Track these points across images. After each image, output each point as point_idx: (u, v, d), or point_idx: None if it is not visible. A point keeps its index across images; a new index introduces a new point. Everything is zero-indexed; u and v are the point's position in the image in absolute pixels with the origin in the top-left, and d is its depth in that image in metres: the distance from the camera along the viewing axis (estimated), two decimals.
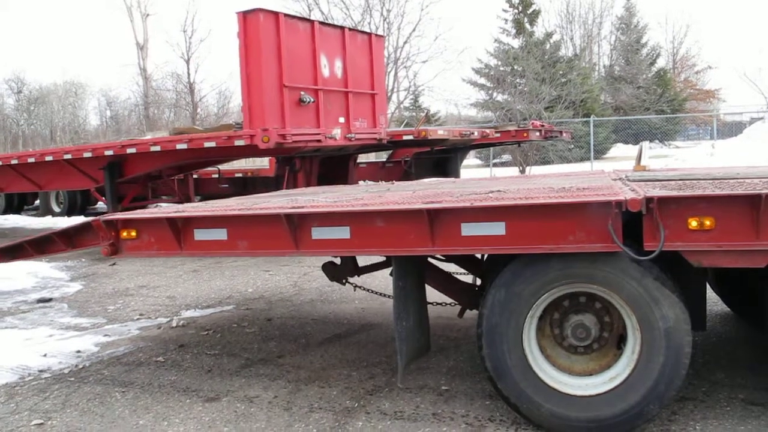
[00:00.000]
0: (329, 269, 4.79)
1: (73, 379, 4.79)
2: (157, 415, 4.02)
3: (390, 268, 3.82)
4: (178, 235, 4.09)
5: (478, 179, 6.90)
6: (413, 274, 3.82)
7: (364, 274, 5.16)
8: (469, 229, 3.36)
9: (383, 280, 4.81)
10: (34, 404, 4.31)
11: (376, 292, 4.91)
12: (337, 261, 4.76)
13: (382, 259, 4.53)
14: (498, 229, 3.31)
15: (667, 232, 3.06)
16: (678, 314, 3.22)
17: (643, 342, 3.29)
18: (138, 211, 4.76)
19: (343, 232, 3.63)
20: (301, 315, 6.25)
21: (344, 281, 4.87)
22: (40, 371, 4.97)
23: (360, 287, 4.97)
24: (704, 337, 4.82)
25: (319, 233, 3.70)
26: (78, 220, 15.67)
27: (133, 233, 4.25)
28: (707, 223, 3.05)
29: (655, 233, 3.09)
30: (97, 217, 4.31)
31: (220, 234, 3.97)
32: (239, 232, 3.93)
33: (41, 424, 3.99)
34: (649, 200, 3.06)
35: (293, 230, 3.72)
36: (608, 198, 3.15)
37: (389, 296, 4.37)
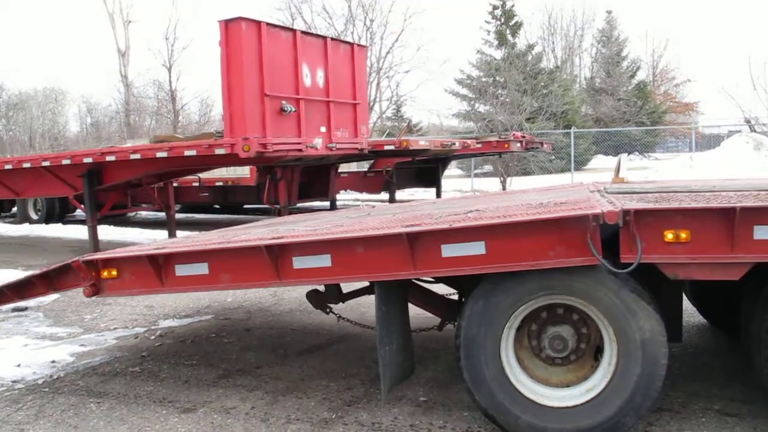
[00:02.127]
0: (314, 297, 4.77)
1: (47, 389, 4.73)
2: (132, 426, 3.98)
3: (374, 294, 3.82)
4: (159, 271, 4.10)
5: (458, 198, 6.91)
6: (396, 298, 3.81)
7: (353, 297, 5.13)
8: (449, 251, 3.37)
9: (368, 302, 4.81)
10: (7, 415, 4.25)
11: (360, 324, 4.90)
12: (321, 288, 4.74)
13: (366, 283, 4.53)
14: (478, 248, 3.32)
15: (643, 244, 3.09)
16: (654, 326, 3.24)
17: (619, 353, 3.30)
18: (118, 249, 4.74)
19: (324, 261, 3.64)
20: (280, 325, 6.22)
21: (328, 310, 4.85)
22: (14, 382, 4.90)
23: (343, 318, 4.95)
24: (681, 348, 4.85)
25: (300, 263, 3.71)
26: (55, 227, 15.54)
27: (114, 272, 4.26)
28: (683, 235, 3.08)
29: (632, 245, 3.12)
30: (77, 258, 4.30)
31: (202, 269, 3.99)
32: (221, 265, 3.94)
33: None
34: (626, 213, 3.08)
35: (275, 261, 3.73)
36: (585, 212, 3.16)
37: (372, 327, 4.38)
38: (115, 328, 6.39)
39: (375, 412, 4.01)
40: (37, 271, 4.65)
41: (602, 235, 3.15)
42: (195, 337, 5.91)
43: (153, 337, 5.98)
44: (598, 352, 3.50)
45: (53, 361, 5.35)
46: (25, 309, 7.42)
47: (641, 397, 3.28)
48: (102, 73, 75.65)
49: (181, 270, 4.06)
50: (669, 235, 3.09)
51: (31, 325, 6.64)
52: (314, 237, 3.71)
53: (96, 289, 4.30)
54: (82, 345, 5.81)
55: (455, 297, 4.38)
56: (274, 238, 3.80)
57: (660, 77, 52.37)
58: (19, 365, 5.21)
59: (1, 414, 4.28)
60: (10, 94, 55.29)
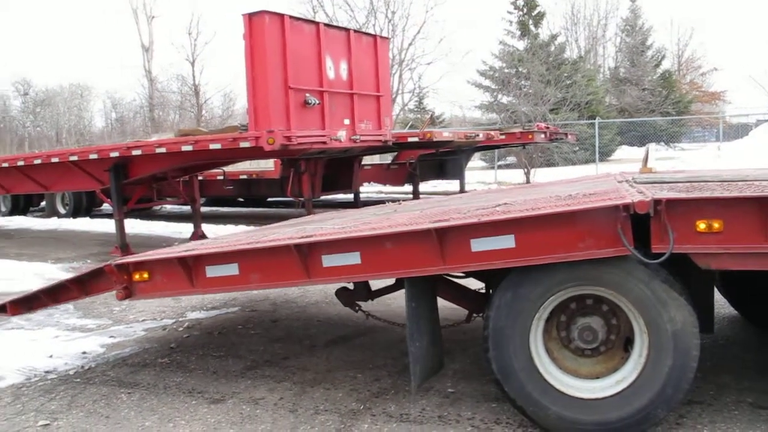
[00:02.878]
0: (343, 295, 4.76)
1: (78, 380, 4.79)
2: (162, 417, 4.02)
3: (403, 290, 3.81)
4: (189, 273, 4.14)
5: (484, 192, 6.88)
6: (425, 293, 3.80)
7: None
8: (478, 245, 3.35)
9: (394, 295, 4.80)
10: (41, 405, 4.32)
11: (389, 321, 4.88)
12: (350, 286, 4.74)
13: (392, 280, 4.54)
14: (508, 242, 3.29)
15: (675, 234, 3.05)
16: (686, 317, 3.20)
17: (650, 345, 3.27)
18: (148, 252, 4.79)
19: (353, 258, 3.64)
20: (306, 317, 6.25)
21: (357, 308, 4.85)
22: (46, 372, 4.97)
23: (372, 316, 4.95)
24: (711, 340, 4.79)
25: (329, 261, 3.71)
26: (83, 221, 15.72)
27: (146, 275, 4.31)
28: (716, 225, 3.03)
29: (663, 236, 3.08)
30: (109, 262, 4.36)
31: (232, 269, 4.01)
32: (251, 265, 3.97)
33: (47, 424, 3.98)
34: (657, 202, 3.04)
35: (304, 260, 3.74)
36: (615, 202, 3.13)
37: (400, 324, 4.37)
38: (143, 320, 6.46)
39: (403, 403, 4.01)
40: (70, 276, 4.71)
41: (632, 225, 3.12)
42: (222, 329, 5.95)
43: (181, 329, 6.03)
44: (627, 344, 3.46)
45: (84, 352, 5.42)
46: None
47: (672, 389, 3.25)
48: (126, 68, 76.31)
49: (212, 271, 4.09)
50: (701, 225, 3.04)
51: (61, 317, 6.72)
52: (343, 235, 3.71)
53: (128, 292, 4.35)
54: (111, 336, 5.88)
55: (482, 289, 4.36)
56: (302, 237, 3.81)
57: (686, 66, 51.75)
58: (51, 356, 5.28)
59: (35, 403, 4.35)
60: (38, 91, 56.11)
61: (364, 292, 4.66)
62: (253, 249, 3.97)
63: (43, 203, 19.06)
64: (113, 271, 4.32)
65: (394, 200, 7.08)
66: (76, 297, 4.72)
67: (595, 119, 28.04)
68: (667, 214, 3.05)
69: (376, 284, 4.67)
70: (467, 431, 3.60)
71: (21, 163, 12.43)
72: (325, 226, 4.46)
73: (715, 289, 4.47)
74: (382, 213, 5.32)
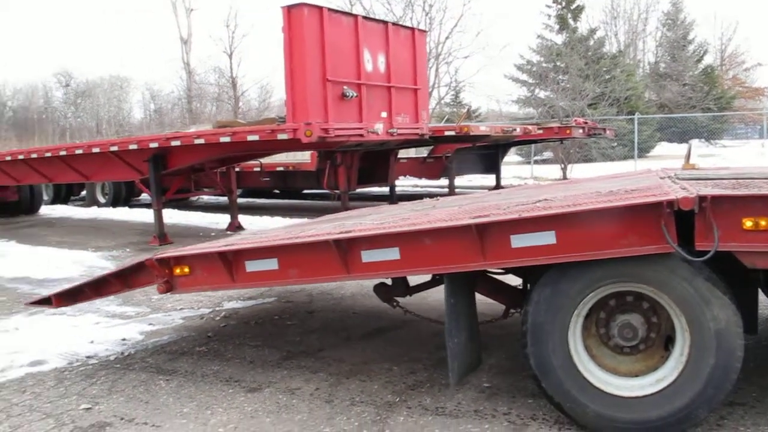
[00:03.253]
0: (380, 291, 4.76)
1: (118, 365, 4.88)
2: (200, 404, 4.07)
3: (442, 286, 3.80)
4: (229, 268, 4.18)
5: (522, 188, 6.82)
6: (464, 290, 3.78)
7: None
8: (519, 241, 3.32)
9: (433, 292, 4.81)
10: (82, 389, 4.40)
11: (428, 318, 4.87)
12: (388, 282, 4.74)
13: (428, 277, 4.53)
14: (548, 238, 3.26)
15: (720, 232, 2.99)
16: (730, 316, 3.14)
17: (692, 344, 3.21)
18: (189, 247, 4.84)
19: (392, 254, 3.64)
20: (342, 308, 6.27)
21: (395, 304, 4.85)
22: (88, 357, 5.07)
23: (410, 312, 4.94)
24: (755, 341, 4.69)
25: (368, 256, 3.71)
26: (122, 210, 15.98)
27: (186, 269, 4.36)
28: (763, 223, 2.97)
29: (708, 233, 3.02)
30: (150, 257, 4.41)
31: (271, 264, 4.03)
32: (290, 260, 3.99)
33: (89, 408, 4.07)
34: (702, 199, 2.99)
35: (343, 255, 3.75)
36: (659, 198, 3.08)
37: (438, 321, 4.36)
38: (181, 309, 6.54)
39: (438, 397, 4.01)
40: (113, 270, 4.78)
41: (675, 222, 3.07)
42: (258, 319, 6.00)
43: (218, 318, 6.10)
44: (668, 342, 3.42)
45: (124, 339, 5.51)
46: None
47: (714, 389, 3.19)
48: (165, 61, 77.22)
49: (251, 266, 4.12)
50: (748, 223, 2.98)
51: (101, 305, 6.83)
52: (382, 230, 3.71)
53: (169, 286, 4.40)
54: (150, 324, 5.97)
55: (519, 285, 4.34)
56: (341, 233, 3.81)
57: (728, 61, 50.72)
58: (92, 342, 5.39)
59: (77, 387, 4.44)
60: (78, 83, 57.04)
61: (402, 287, 4.65)
62: (293, 244, 3.98)
63: (83, 193, 19.41)
64: (154, 265, 4.38)
65: (430, 195, 7.06)
66: (118, 291, 4.79)
67: (634, 115, 27.64)
68: (713, 211, 3.00)
69: (414, 280, 4.66)
70: (503, 426, 3.58)
71: (63, 152, 12.67)
72: (364, 222, 4.46)
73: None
74: (421, 209, 5.31)
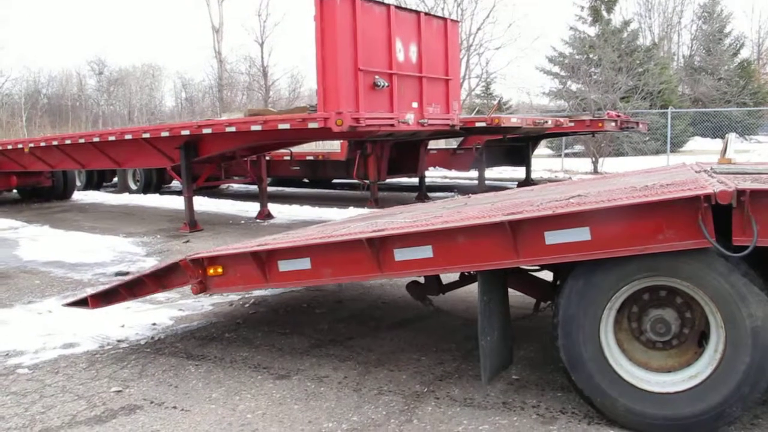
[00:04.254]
0: (413, 289, 4.75)
1: (149, 350, 4.93)
2: (229, 390, 4.11)
3: (474, 283, 3.77)
4: (262, 267, 4.20)
5: (554, 185, 6.75)
6: (498, 287, 3.75)
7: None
8: (553, 238, 3.29)
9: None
10: (113, 372, 4.46)
11: (462, 317, 4.83)
12: (421, 280, 4.72)
13: (455, 276, 4.50)
14: (583, 234, 3.22)
15: (759, 227, 2.93)
16: (767, 313, 3.08)
17: (727, 341, 3.16)
18: (222, 247, 4.86)
19: (425, 252, 3.62)
20: (371, 298, 6.27)
21: (428, 302, 4.83)
22: (119, 341, 5.14)
23: (442, 311, 4.89)
24: None
25: (401, 254, 3.70)
26: (153, 197, 16.16)
27: (220, 270, 4.38)
28: None
29: (746, 228, 2.96)
30: (184, 257, 4.44)
31: (304, 264, 4.05)
32: (323, 260, 4.00)
33: (120, 391, 4.12)
34: (740, 193, 2.93)
35: (376, 253, 3.75)
36: (696, 192, 3.02)
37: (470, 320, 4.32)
38: (210, 295, 6.58)
39: (467, 388, 4.00)
40: (147, 271, 4.82)
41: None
42: (287, 307, 6.03)
43: (247, 305, 6.14)
44: (702, 338, 3.36)
45: (154, 324, 5.57)
46: (127, 273, 7.74)
47: (749, 387, 3.13)
48: (197, 49, 77.64)
49: (284, 265, 4.13)
50: None
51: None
52: (415, 228, 3.69)
53: (203, 287, 4.43)
54: (180, 310, 6.03)
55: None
56: (374, 231, 3.81)
57: (766, 55, 49.71)
58: (123, 326, 5.45)
59: (108, 370, 4.50)
60: (111, 71, 57.70)
61: (435, 286, 4.62)
62: (325, 243, 3.99)
63: (115, 179, 19.66)
64: (188, 265, 4.41)
65: (459, 186, 7.01)
66: (153, 291, 4.81)
67: (667, 109, 27.23)
68: (751, 206, 2.94)
69: (446, 278, 4.63)
70: (531, 419, 3.56)
71: (96, 139, 12.82)
72: (396, 221, 4.45)
73: None
74: (453, 206, 5.28)
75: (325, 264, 3.99)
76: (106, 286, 5.01)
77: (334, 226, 5.45)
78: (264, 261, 4.20)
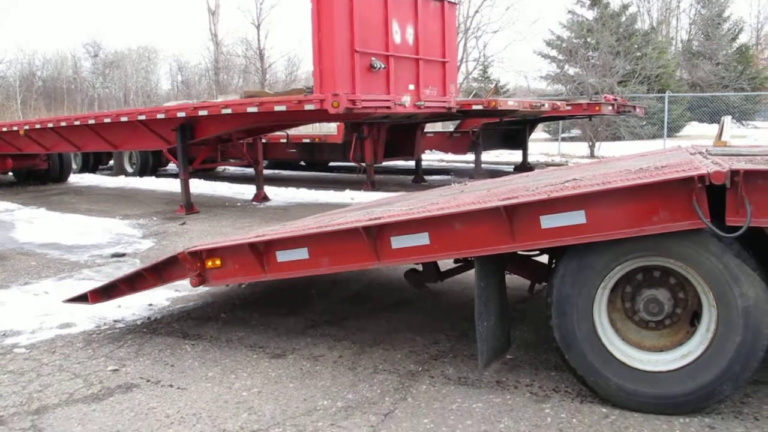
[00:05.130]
0: (412, 277, 4.76)
1: (145, 330, 4.96)
2: (225, 368, 4.13)
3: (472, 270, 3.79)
4: (261, 258, 4.21)
5: (551, 170, 6.76)
6: (495, 272, 3.76)
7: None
8: (548, 222, 3.31)
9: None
10: (110, 351, 4.49)
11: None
12: (419, 267, 4.74)
13: (451, 262, 4.52)
14: (578, 218, 3.24)
15: (752, 207, 2.95)
16: (759, 293, 3.11)
17: (719, 320, 3.19)
18: (220, 239, 4.86)
19: (422, 239, 3.64)
20: (367, 280, 6.30)
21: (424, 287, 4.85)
22: (115, 321, 5.15)
23: (434, 291, 4.89)
24: None
25: (398, 242, 3.72)
26: (149, 180, 16.14)
27: (218, 262, 4.39)
28: None
29: (739, 208, 2.98)
30: (182, 250, 4.44)
31: (302, 253, 4.06)
32: (320, 249, 4.01)
33: (116, 370, 4.15)
34: (734, 173, 2.94)
35: (373, 242, 3.76)
36: (690, 173, 3.03)
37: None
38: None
39: (461, 367, 4.03)
40: (146, 265, 4.82)
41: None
42: (283, 289, 6.04)
43: (243, 286, 6.15)
44: (694, 318, 3.39)
45: (150, 304, 5.59)
46: (123, 255, 7.77)
47: (740, 366, 3.17)
48: (193, 32, 77.36)
49: (282, 256, 4.14)
50: None
51: (129, 270, 6.92)
52: (411, 216, 3.70)
53: (202, 279, 4.44)
54: (176, 290, 6.04)
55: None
56: (371, 220, 3.82)
57: (765, 40, 49.56)
58: (119, 306, 5.46)
59: (105, 349, 4.52)
60: (107, 53, 57.40)
61: (433, 273, 4.63)
62: (323, 233, 4.00)
63: (111, 162, 19.62)
64: (186, 258, 4.42)
65: (456, 170, 7.02)
66: (152, 285, 4.80)
67: (664, 93, 27.21)
68: (745, 186, 2.96)
69: (444, 265, 4.64)
70: (525, 398, 3.59)
71: (92, 121, 12.76)
72: (393, 209, 4.46)
73: None
74: (449, 194, 5.29)
75: (322, 253, 4.01)
76: (106, 282, 5.00)
77: (331, 215, 5.47)
78: (262, 252, 4.21)
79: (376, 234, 3.76)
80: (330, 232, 3.97)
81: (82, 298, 4.92)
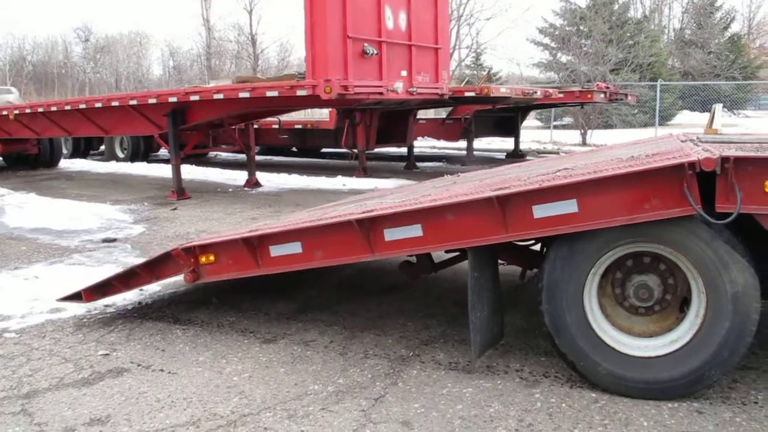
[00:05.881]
0: (406, 269, 4.75)
1: (136, 315, 4.95)
2: (216, 353, 4.13)
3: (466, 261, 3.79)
4: (254, 253, 4.20)
5: (543, 160, 6.77)
6: (488, 262, 3.76)
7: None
8: (540, 211, 3.31)
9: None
10: (100, 336, 4.48)
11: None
12: (413, 259, 4.73)
13: (443, 253, 4.52)
14: (570, 207, 3.25)
15: (742, 194, 2.96)
16: (747, 279, 3.13)
17: (708, 306, 3.21)
18: (213, 235, 4.84)
19: (415, 231, 3.64)
20: (358, 266, 6.28)
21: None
22: (106, 306, 5.14)
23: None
24: None
25: (391, 234, 3.72)
26: (140, 165, 16.08)
27: (212, 257, 4.38)
28: None
29: (729, 195, 2.99)
30: (176, 246, 4.43)
31: (295, 248, 4.06)
32: (314, 243, 4.01)
33: (107, 354, 4.14)
34: (724, 160, 2.95)
35: (366, 234, 3.76)
36: (681, 160, 3.04)
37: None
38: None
39: (452, 352, 4.04)
40: (140, 261, 4.79)
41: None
42: (274, 274, 6.02)
43: None
44: (684, 304, 3.41)
45: (141, 289, 5.56)
46: (114, 240, 7.74)
47: (728, 351, 3.19)
48: (185, 17, 76.90)
49: (276, 250, 4.14)
50: None
51: (120, 255, 6.92)
52: (404, 208, 3.71)
53: (196, 275, 4.43)
54: None
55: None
56: (364, 212, 3.82)
57: (756, 30, 49.66)
58: None
59: (95, 334, 4.52)
60: (98, 38, 57.01)
61: (427, 264, 4.63)
62: (315, 226, 4.00)
63: (102, 147, 19.51)
64: (180, 254, 4.41)
65: (448, 156, 7.01)
66: (147, 282, 4.79)
67: (656, 81, 27.24)
68: (735, 173, 2.96)
69: (438, 256, 4.64)
70: (515, 383, 3.61)
71: (83, 106, 12.68)
72: (386, 201, 4.46)
73: None
74: (442, 185, 5.29)
75: (316, 247, 4.01)
76: (100, 279, 4.98)
77: (324, 209, 5.46)
78: (255, 247, 4.20)
79: (369, 227, 3.77)
80: (323, 225, 3.97)
81: (75, 297, 4.88)
